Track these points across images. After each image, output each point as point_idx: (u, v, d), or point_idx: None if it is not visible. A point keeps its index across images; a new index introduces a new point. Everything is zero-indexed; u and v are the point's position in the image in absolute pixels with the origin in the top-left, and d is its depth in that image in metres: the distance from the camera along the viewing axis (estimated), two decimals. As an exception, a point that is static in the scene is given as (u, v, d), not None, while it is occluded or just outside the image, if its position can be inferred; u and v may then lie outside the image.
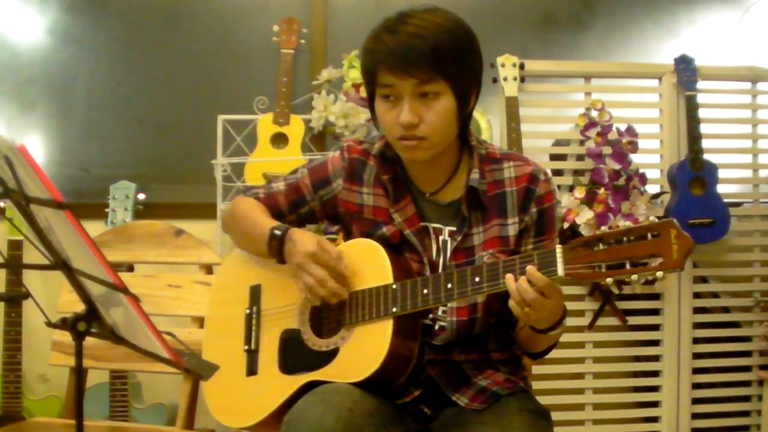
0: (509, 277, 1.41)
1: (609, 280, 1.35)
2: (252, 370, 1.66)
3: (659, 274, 1.31)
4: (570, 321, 2.88)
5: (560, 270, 1.37)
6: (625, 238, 1.32)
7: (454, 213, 1.61)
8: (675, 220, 1.30)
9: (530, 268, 1.38)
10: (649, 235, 1.30)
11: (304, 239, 1.56)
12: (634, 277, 1.32)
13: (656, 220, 1.31)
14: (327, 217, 1.73)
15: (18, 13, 3.12)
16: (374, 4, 3.17)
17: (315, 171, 1.70)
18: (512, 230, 1.58)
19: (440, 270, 1.59)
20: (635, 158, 2.81)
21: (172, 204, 3.04)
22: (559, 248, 1.37)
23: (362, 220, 1.65)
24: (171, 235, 2.13)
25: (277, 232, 1.60)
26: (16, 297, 2.62)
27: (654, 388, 2.98)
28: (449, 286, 1.48)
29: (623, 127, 2.80)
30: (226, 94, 3.14)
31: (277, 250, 1.60)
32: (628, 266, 1.32)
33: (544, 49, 3.26)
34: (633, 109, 2.99)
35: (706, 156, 2.86)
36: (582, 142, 2.86)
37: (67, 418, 2.05)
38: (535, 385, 1.77)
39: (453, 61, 1.48)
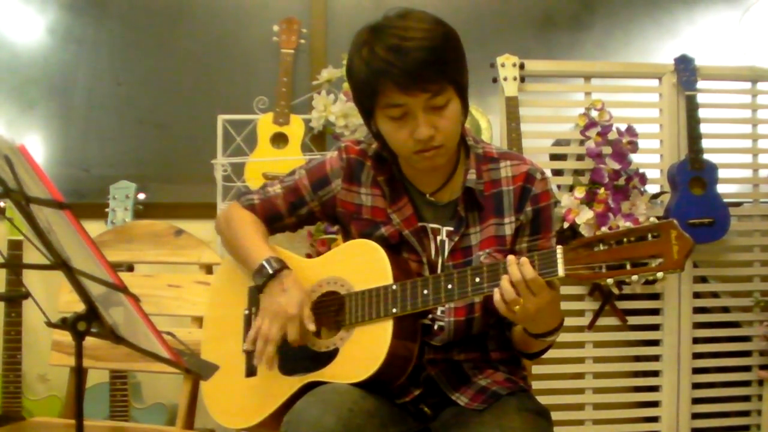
0: (505, 278, 1.40)
1: (609, 280, 1.35)
2: (251, 371, 1.66)
3: (660, 274, 1.31)
4: (570, 321, 2.88)
5: (560, 270, 1.36)
6: (625, 239, 1.32)
7: (452, 213, 1.61)
8: (675, 221, 1.30)
9: (523, 259, 1.38)
10: (649, 236, 1.30)
11: (291, 296, 1.55)
12: (635, 277, 1.32)
13: (657, 221, 1.31)
14: (326, 217, 1.73)
15: (18, 13, 3.12)
16: (374, 4, 3.17)
17: (313, 171, 1.70)
18: (509, 229, 1.58)
19: (439, 270, 1.59)
20: (635, 158, 2.81)
21: (172, 204, 3.04)
22: (559, 248, 1.37)
23: (361, 220, 1.65)
24: (171, 235, 2.13)
25: (268, 269, 1.59)
26: (16, 297, 2.62)
27: (654, 388, 2.98)
28: (449, 286, 1.48)
29: (623, 127, 2.80)
30: (226, 94, 3.14)
31: (264, 280, 1.59)
32: (628, 267, 1.32)
33: (544, 49, 3.26)
34: (633, 109, 2.99)
35: (706, 156, 2.86)
36: (582, 142, 2.86)
37: (67, 418, 2.05)
38: (535, 385, 1.77)
39: (453, 65, 1.48)
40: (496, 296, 1.40)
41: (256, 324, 1.58)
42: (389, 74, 1.43)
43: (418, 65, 1.42)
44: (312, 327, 1.55)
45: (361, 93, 1.52)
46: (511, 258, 1.40)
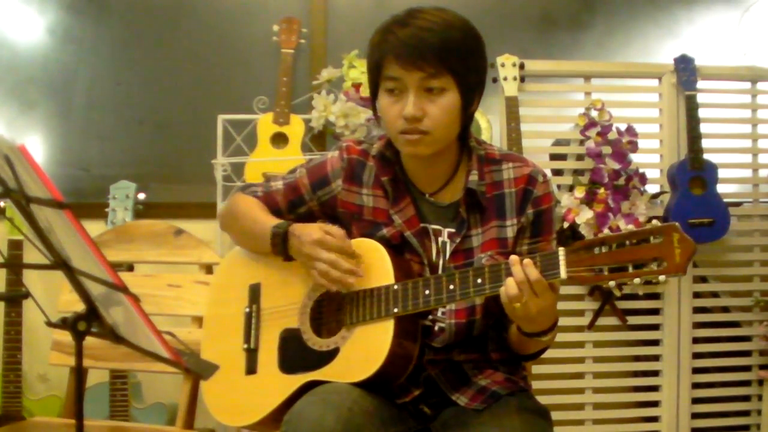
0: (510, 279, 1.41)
1: (611, 282, 1.35)
2: (251, 369, 1.66)
3: (662, 278, 1.31)
4: (570, 321, 2.89)
5: (563, 272, 1.36)
6: (627, 242, 1.32)
7: (453, 214, 1.61)
8: (678, 224, 1.30)
9: (527, 261, 1.38)
10: (651, 239, 1.30)
11: (307, 230, 1.57)
12: (636, 280, 1.32)
13: (659, 224, 1.31)
14: (326, 216, 1.73)
15: (18, 13, 3.12)
16: (374, 4, 3.17)
17: (314, 171, 1.70)
18: (510, 232, 1.58)
19: (440, 271, 1.59)
20: (635, 158, 2.81)
21: (172, 204, 3.03)
22: (561, 250, 1.37)
23: (362, 221, 1.65)
24: (171, 235, 2.13)
25: (279, 230, 1.61)
26: (16, 297, 2.62)
27: (654, 388, 2.98)
28: (451, 287, 1.48)
29: (623, 126, 2.80)
30: (226, 94, 3.14)
31: (281, 248, 1.61)
32: (630, 269, 1.32)
33: (544, 49, 3.26)
34: (633, 108, 2.99)
35: (706, 156, 2.86)
36: (582, 142, 2.86)
37: (67, 417, 2.05)
38: (535, 384, 1.77)
39: (460, 58, 1.49)
40: (501, 290, 1.41)
41: (314, 276, 1.55)
42: (391, 44, 1.48)
43: (417, 41, 1.46)
44: (337, 229, 1.55)
45: (370, 68, 1.56)
46: (514, 258, 1.40)
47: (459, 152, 1.62)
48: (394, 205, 1.62)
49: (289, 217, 1.73)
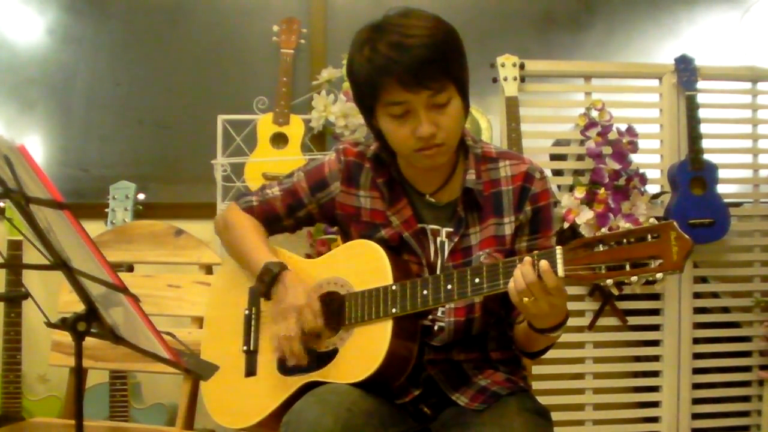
0: (518, 270, 1.39)
1: (609, 281, 1.35)
2: (251, 371, 1.66)
3: (659, 275, 1.31)
4: (570, 321, 2.85)
5: (560, 271, 1.36)
6: (624, 240, 1.32)
7: (451, 214, 1.61)
8: (675, 222, 1.30)
9: (543, 263, 1.36)
10: (648, 237, 1.30)
11: (296, 289, 1.57)
12: (634, 278, 1.32)
13: (656, 222, 1.31)
14: (325, 219, 1.73)
15: (18, 13, 3.12)
16: (374, 3, 3.17)
17: (312, 174, 1.70)
18: (508, 229, 1.58)
19: (438, 271, 1.59)
20: (635, 158, 2.81)
21: (172, 204, 3.04)
22: (559, 249, 1.37)
23: (360, 222, 1.65)
24: (171, 235, 2.13)
25: (272, 269, 1.60)
26: (16, 297, 2.62)
27: (654, 389, 2.98)
28: (449, 287, 1.48)
29: (623, 127, 2.80)
30: (226, 94, 3.13)
31: (267, 285, 1.60)
32: (627, 268, 1.32)
33: (544, 49, 3.26)
34: (633, 109, 2.99)
35: (706, 156, 2.86)
36: (582, 142, 2.86)
37: (67, 418, 2.05)
38: (535, 385, 1.77)
39: (455, 62, 1.48)
40: (510, 284, 1.40)
41: (272, 331, 1.58)
42: (392, 71, 1.43)
43: (420, 62, 1.42)
44: (317, 308, 1.55)
45: (363, 91, 1.51)
46: (527, 259, 1.39)
47: (456, 151, 1.62)
48: (391, 206, 1.62)
49: (288, 221, 1.73)
